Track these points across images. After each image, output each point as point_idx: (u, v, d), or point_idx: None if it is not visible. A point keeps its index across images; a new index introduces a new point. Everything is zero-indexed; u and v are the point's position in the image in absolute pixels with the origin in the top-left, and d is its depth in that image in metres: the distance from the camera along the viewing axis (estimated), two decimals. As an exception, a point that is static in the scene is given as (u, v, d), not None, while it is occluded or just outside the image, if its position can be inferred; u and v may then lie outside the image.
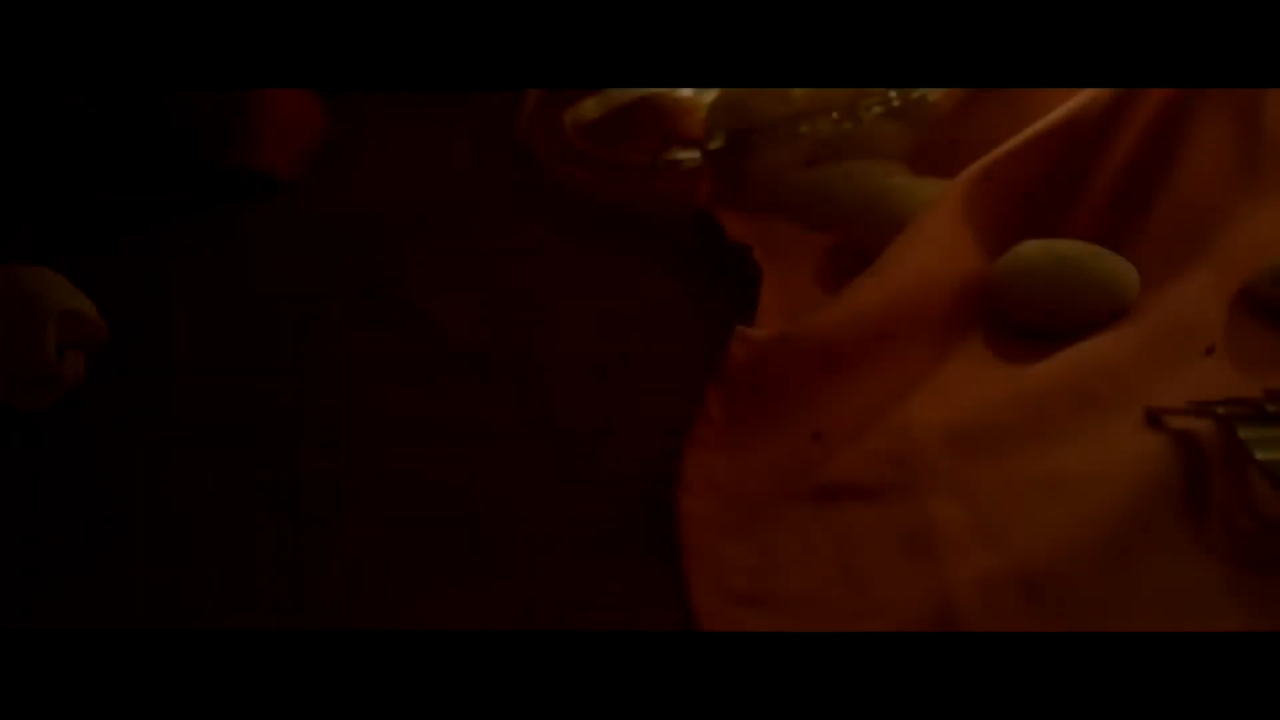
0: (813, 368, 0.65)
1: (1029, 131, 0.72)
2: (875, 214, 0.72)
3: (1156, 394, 0.63)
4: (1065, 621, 0.55)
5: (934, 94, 0.79)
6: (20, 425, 0.66)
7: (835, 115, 0.77)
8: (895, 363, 0.66)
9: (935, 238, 0.69)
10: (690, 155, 0.78)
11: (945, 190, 0.71)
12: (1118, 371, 0.65)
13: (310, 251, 0.76)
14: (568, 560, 0.59)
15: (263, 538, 0.61)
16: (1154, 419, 0.62)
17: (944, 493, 0.60)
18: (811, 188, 0.76)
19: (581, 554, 0.60)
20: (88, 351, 0.68)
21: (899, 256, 0.68)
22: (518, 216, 0.78)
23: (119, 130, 0.81)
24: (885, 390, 0.65)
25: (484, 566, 0.59)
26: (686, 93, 0.83)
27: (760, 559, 0.59)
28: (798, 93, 0.78)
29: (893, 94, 0.77)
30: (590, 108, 0.82)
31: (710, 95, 0.81)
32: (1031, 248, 0.69)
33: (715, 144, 0.78)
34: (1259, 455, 0.58)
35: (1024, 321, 0.68)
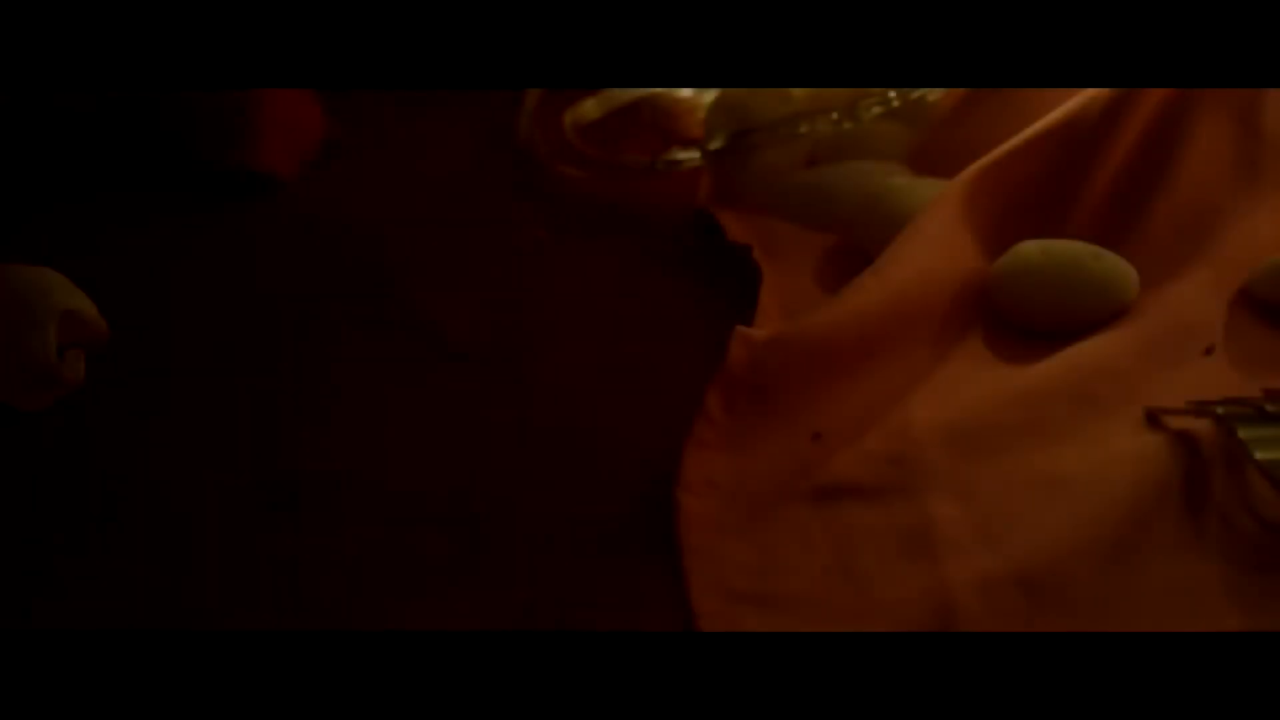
0: (813, 368, 0.65)
1: (1029, 131, 0.72)
2: (875, 214, 0.72)
3: (1156, 394, 0.63)
4: (1065, 621, 0.55)
5: (934, 94, 0.79)
6: (21, 425, 0.66)
7: (835, 115, 0.77)
8: (895, 363, 0.66)
9: (935, 238, 0.69)
10: (690, 155, 0.78)
11: (945, 190, 0.71)
12: (1117, 371, 0.65)
13: (310, 251, 0.76)
14: (568, 560, 0.59)
15: (263, 538, 0.61)
16: (1153, 419, 0.62)
17: (943, 492, 0.61)
18: (811, 188, 0.76)
19: (581, 554, 0.60)
20: (88, 351, 0.68)
21: (899, 256, 0.68)
22: (518, 216, 0.78)
23: (119, 130, 0.81)
24: (885, 390, 0.65)
25: (484, 566, 0.59)
26: (686, 93, 0.83)
27: (760, 559, 0.59)
28: (798, 93, 0.78)
29: (892, 94, 0.77)
30: (590, 108, 0.82)
31: (710, 95, 0.81)
32: (1031, 248, 0.69)
33: (715, 144, 0.78)
34: (1258, 455, 0.58)
35: (1023, 321, 0.68)
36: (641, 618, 0.57)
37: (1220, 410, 0.61)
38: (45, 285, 0.67)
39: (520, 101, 0.83)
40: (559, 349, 0.70)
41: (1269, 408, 0.61)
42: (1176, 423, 0.62)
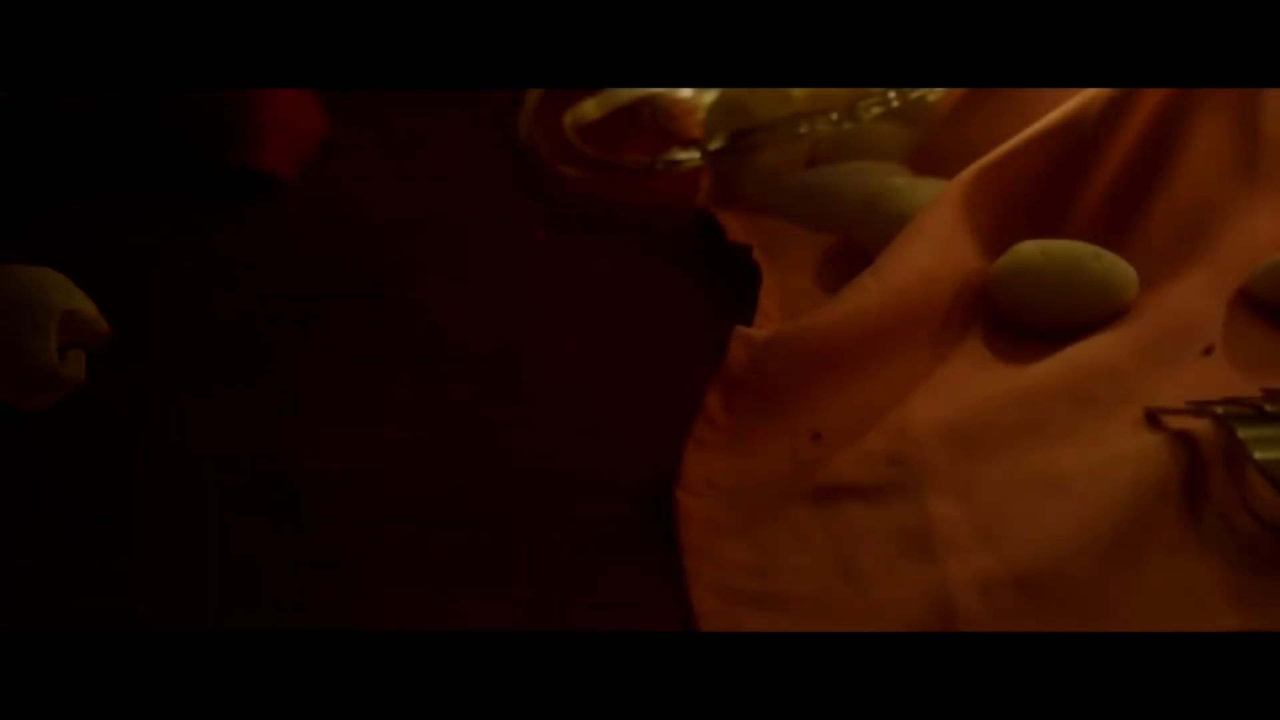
0: (813, 368, 0.65)
1: (1028, 132, 0.72)
2: (875, 214, 0.72)
3: (1155, 394, 0.63)
4: (1064, 621, 0.55)
5: (934, 94, 0.79)
6: (21, 425, 0.66)
7: (835, 116, 0.77)
8: (895, 363, 0.66)
9: (935, 238, 0.69)
10: (690, 155, 0.78)
11: (945, 190, 0.71)
12: (1116, 371, 0.65)
13: (310, 251, 0.76)
14: (568, 560, 0.60)
15: (263, 538, 0.61)
16: (1152, 419, 0.63)
17: (943, 492, 0.61)
18: (811, 188, 0.76)
19: (581, 554, 0.60)
20: (88, 351, 0.68)
21: (899, 256, 0.68)
22: (518, 216, 0.78)
23: (119, 130, 0.81)
24: (885, 390, 0.65)
25: (484, 566, 0.59)
26: (686, 93, 0.83)
27: (760, 558, 0.59)
28: (797, 93, 0.78)
29: (892, 94, 0.77)
30: (590, 108, 0.82)
31: (710, 95, 0.81)
32: (1030, 248, 0.69)
33: (715, 144, 0.78)
34: (1257, 455, 0.58)
35: (1023, 321, 0.68)
36: (641, 618, 0.57)
37: (1219, 410, 0.61)
38: (45, 285, 0.67)
39: (520, 101, 0.83)
40: (559, 349, 0.70)
41: (1268, 408, 0.61)
42: (1176, 423, 0.62)
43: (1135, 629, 0.54)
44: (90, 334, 0.68)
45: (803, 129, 0.77)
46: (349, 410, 0.67)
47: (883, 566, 0.58)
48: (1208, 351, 0.66)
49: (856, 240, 0.73)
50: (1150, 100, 0.72)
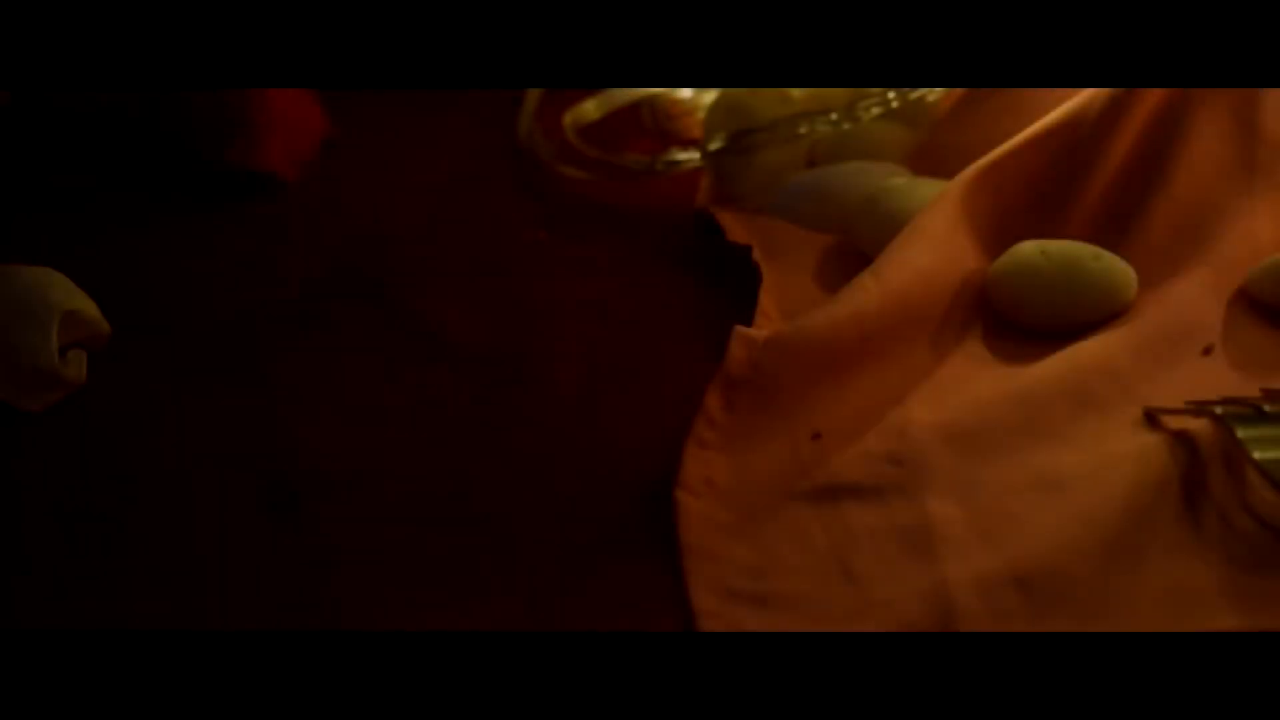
0: (812, 368, 0.65)
1: (1027, 132, 0.72)
2: (874, 214, 0.72)
3: (1154, 394, 0.64)
4: (1063, 621, 0.55)
5: (933, 94, 0.79)
6: (21, 425, 0.66)
7: (834, 116, 0.77)
8: (894, 362, 0.66)
9: (934, 238, 0.69)
10: (690, 156, 0.78)
11: (944, 190, 0.71)
12: (1116, 371, 0.65)
13: (310, 251, 0.76)
14: (568, 560, 0.60)
15: (263, 538, 0.61)
16: (1152, 419, 0.63)
17: (942, 492, 0.61)
18: (811, 188, 0.76)
19: (581, 554, 0.60)
20: (89, 351, 0.68)
21: (898, 257, 0.68)
22: (518, 217, 0.78)
23: (119, 130, 0.81)
24: (885, 390, 0.65)
25: (484, 566, 0.59)
26: (686, 93, 0.83)
27: (760, 558, 0.59)
28: (797, 93, 0.78)
29: (891, 95, 0.77)
30: (590, 109, 0.82)
31: (710, 96, 0.81)
32: (1029, 248, 0.69)
33: (715, 144, 0.78)
34: (1257, 455, 0.58)
35: (1022, 321, 0.68)
36: (641, 618, 0.57)
37: (1219, 410, 0.61)
38: (46, 285, 0.67)
39: (520, 101, 0.83)
40: (559, 349, 0.70)
41: (1267, 407, 0.61)
42: (1175, 422, 0.62)
43: (1135, 629, 0.54)
44: (91, 334, 0.68)
45: (803, 129, 0.77)
46: (349, 410, 0.67)
47: (882, 566, 0.58)
48: (1207, 351, 0.66)
49: (856, 240, 0.73)
50: (1150, 100, 0.72)
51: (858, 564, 0.58)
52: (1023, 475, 0.61)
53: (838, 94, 0.77)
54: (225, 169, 0.79)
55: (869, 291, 0.66)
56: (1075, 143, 0.72)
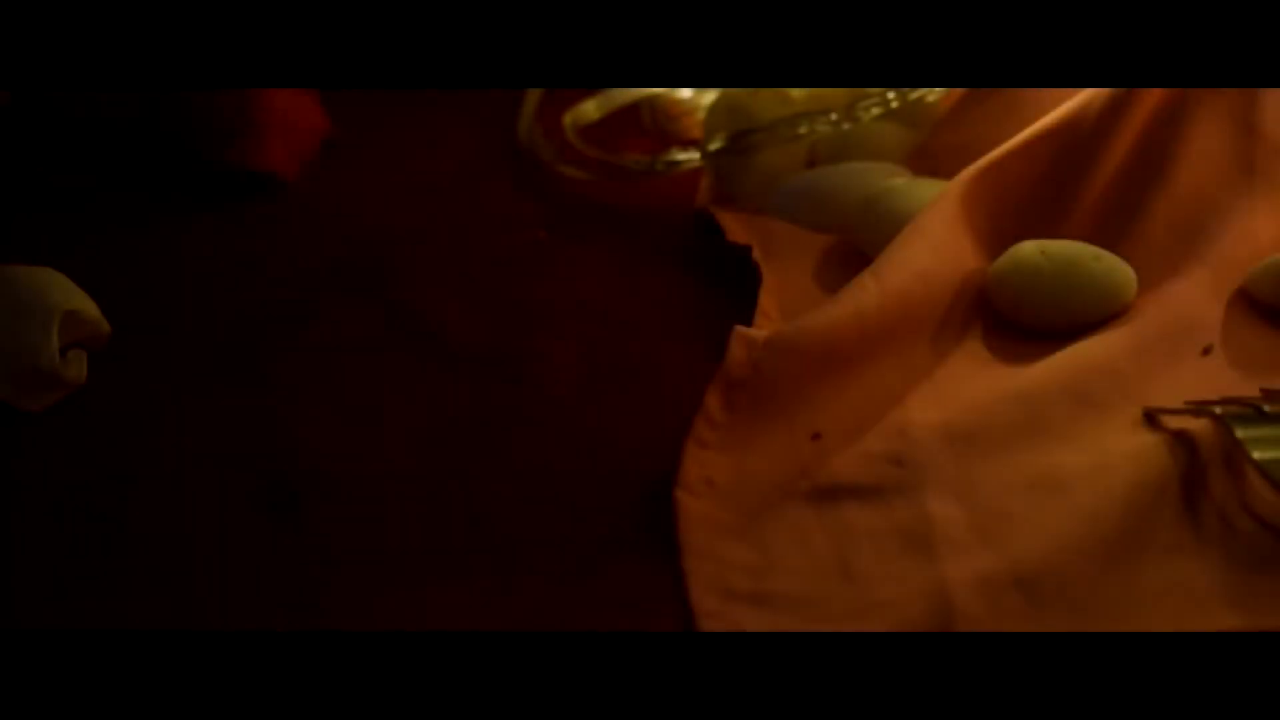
0: (812, 368, 0.65)
1: (1027, 132, 0.72)
2: (874, 214, 0.72)
3: (1154, 394, 0.64)
4: (1063, 620, 0.55)
5: (933, 94, 0.79)
6: (22, 425, 0.66)
7: (834, 116, 0.77)
8: (894, 362, 0.66)
9: (934, 238, 0.69)
10: (690, 156, 0.78)
11: (944, 191, 0.71)
12: (1115, 371, 0.65)
13: (310, 251, 0.76)
14: (568, 560, 0.60)
15: (263, 538, 0.61)
16: (1152, 419, 0.63)
17: (943, 492, 0.61)
18: (811, 188, 0.76)
19: (581, 554, 0.60)
20: (89, 351, 0.68)
21: (898, 257, 0.68)
22: (518, 216, 0.78)
23: (119, 130, 0.81)
24: (884, 390, 0.65)
25: (484, 566, 0.59)
26: (686, 93, 0.83)
27: (760, 558, 0.59)
28: (796, 94, 0.78)
29: (891, 95, 0.77)
30: (590, 109, 0.82)
31: (710, 96, 0.81)
32: (1029, 248, 0.69)
33: (715, 145, 0.78)
34: (1256, 455, 0.58)
35: (1022, 321, 0.68)
36: (641, 618, 0.57)
37: (1218, 410, 0.61)
38: (47, 285, 0.67)
39: (520, 101, 0.83)
40: (558, 349, 0.70)
41: (1267, 407, 0.61)
42: (1175, 422, 0.62)
43: (1134, 628, 0.54)
44: (91, 334, 0.68)
45: (802, 129, 0.77)
46: (349, 410, 0.67)
47: (882, 566, 0.58)
48: (1206, 351, 0.66)
49: (856, 240, 0.73)
50: (1149, 100, 0.72)
51: (858, 564, 0.58)
52: (1023, 475, 0.61)
53: (838, 94, 0.77)
54: (225, 169, 0.79)
55: (869, 291, 0.66)
56: (1075, 143, 0.72)
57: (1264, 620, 0.54)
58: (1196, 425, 0.61)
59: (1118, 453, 0.61)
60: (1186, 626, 0.54)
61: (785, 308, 0.70)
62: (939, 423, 0.63)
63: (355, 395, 0.68)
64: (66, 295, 0.67)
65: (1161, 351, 0.66)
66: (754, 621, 0.57)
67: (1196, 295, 0.68)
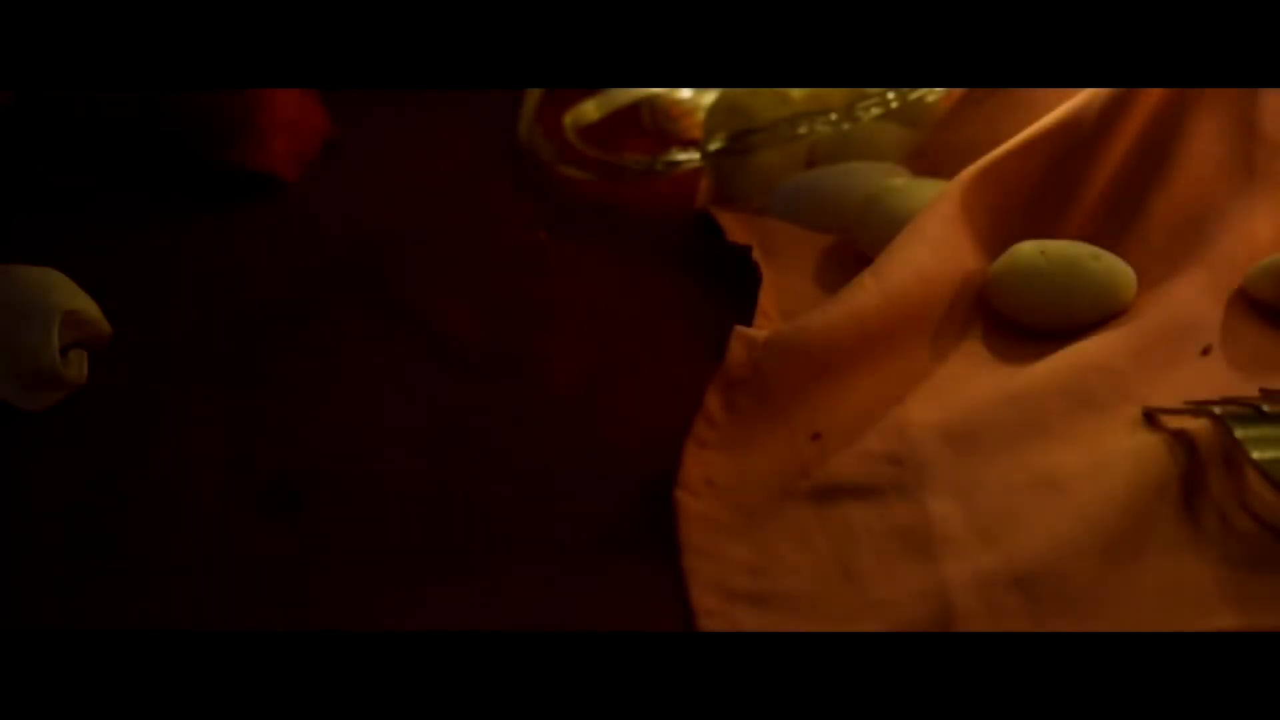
0: (812, 368, 0.65)
1: (1027, 132, 0.72)
2: (874, 214, 0.72)
3: (1153, 394, 0.64)
4: (1062, 620, 0.55)
5: (933, 94, 0.79)
6: (22, 425, 0.66)
7: (834, 116, 0.77)
8: (894, 362, 0.66)
9: (934, 238, 0.69)
10: (690, 156, 0.78)
11: (944, 191, 0.71)
12: (1114, 371, 0.65)
13: (310, 251, 0.76)
14: (568, 560, 0.60)
15: (263, 538, 0.61)
16: (1151, 419, 0.63)
17: (942, 492, 0.61)
18: (810, 188, 0.76)
19: (581, 554, 0.60)
20: (90, 351, 0.68)
21: (897, 257, 0.68)
22: (518, 216, 0.78)
23: (119, 130, 0.81)
24: (884, 390, 0.65)
25: (484, 566, 0.59)
26: (686, 93, 0.83)
27: (759, 558, 0.59)
28: (796, 94, 0.78)
29: (891, 95, 0.77)
30: (590, 109, 0.82)
31: (710, 96, 0.81)
32: (1028, 248, 0.69)
33: (715, 145, 0.78)
34: (1255, 455, 0.58)
35: (1021, 322, 0.68)
36: (641, 618, 0.57)
37: (1217, 410, 0.61)
38: (47, 286, 0.67)
39: (520, 101, 0.83)
40: (558, 349, 0.70)
41: (1266, 407, 0.61)
42: (1174, 422, 0.62)
43: (1133, 628, 0.54)
44: (92, 334, 0.68)
45: (802, 129, 0.77)
46: (349, 410, 0.67)
47: (882, 566, 0.58)
48: (1206, 351, 0.66)
49: (856, 240, 0.73)
50: (1149, 100, 0.72)
51: (858, 564, 0.58)
52: (1022, 475, 0.61)
53: (837, 94, 0.77)
54: (225, 169, 0.79)
55: (869, 291, 0.66)
56: (1074, 143, 0.72)
57: (1263, 620, 0.54)
58: (1196, 425, 0.61)
59: (1117, 453, 0.61)
60: (1185, 626, 0.54)
61: (785, 308, 0.70)
62: (938, 423, 0.63)
63: (355, 395, 0.68)
64: (67, 295, 0.67)
65: (1161, 351, 0.66)
66: (754, 621, 0.57)
67: (1196, 295, 0.68)
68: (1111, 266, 0.68)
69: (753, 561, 0.59)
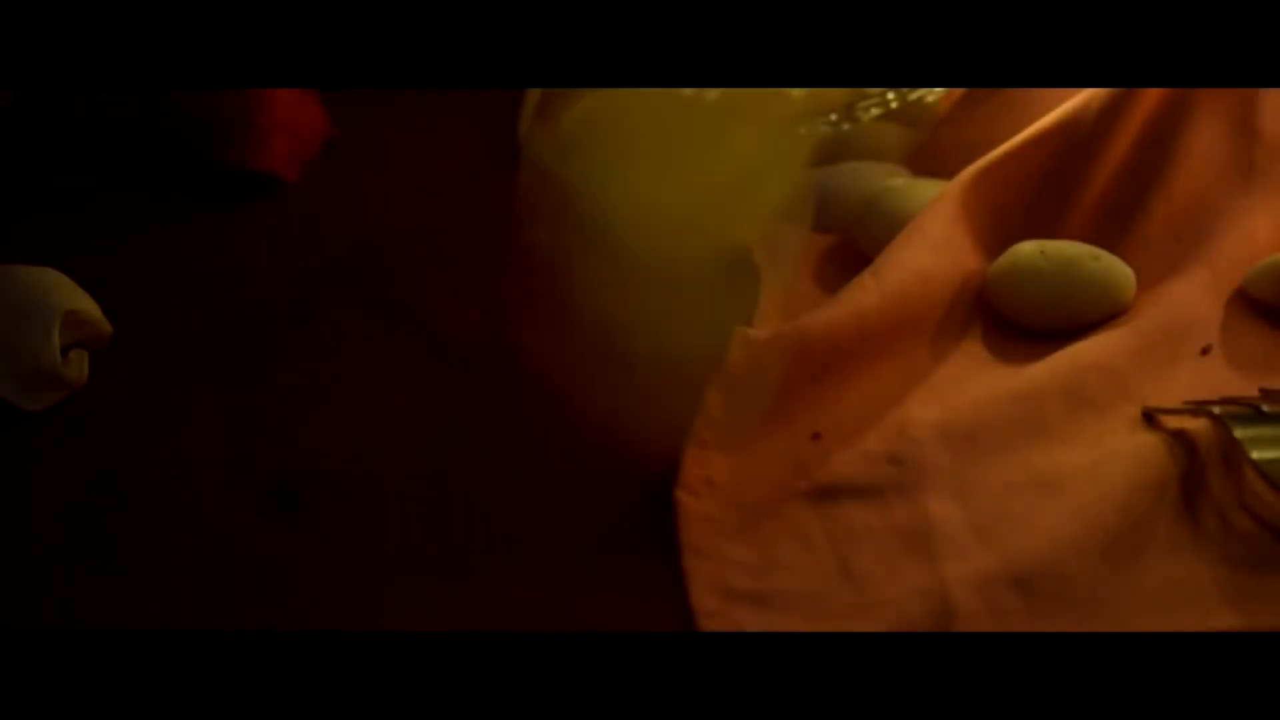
0: (812, 368, 0.65)
1: (1026, 132, 0.72)
2: (874, 215, 0.72)
3: (1153, 394, 0.64)
4: (1063, 620, 0.55)
5: (932, 94, 0.79)
6: (22, 425, 0.66)
7: (833, 116, 0.77)
8: (894, 362, 0.66)
9: (933, 238, 0.69)
10: (689, 156, 0.78)
11: (943, 191, 0.71)
12: (1114, 371, 0.65)
13: (310, 252, 0.76)
14: (568, 560, 0.60)
15: (263, 538, 0.61)
16: (1150, 418, 0.63)
17: (942, 492, 0.61)
18: (810, 188, 0.76)
19: (581, 554, 0.60)
20: (90, 351, 0.68)
21: (898, 257, 0.68)
22: (518, 217, 0.78)
23: (119, 130, 0.81)
24: (884, 390, 0.65)
25: (484, 567, 0.59)
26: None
27: (759, 558, 0.59)
28: (796, 94, 0.78)
29: (891, 95, 0.77)
30: (590, 109, 0.82)
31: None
32: (1028, 248, 0.69)
33: (714, 145, 0.78)
34: (1254, 455, 0.58)
35: (1021, 322, 0.68)
36: (641, 618, 0.57)
37: (1217, 410, 0.61)
38: (48, 286, 0.67)
39: (520, 101, 0.83)
40: (559, 349, 0.70)
41: (1265, 407, 0.61)
42: (1173, 422, 0.62)
43: (1133, 628, 0.54)
44: (92, 334, 0.68)
45: (801, 130, 0.77)
46: (349, 410, 0.67)
47: (882, 566, 0.58)
48: (1205, 351, 0.66)
49: (856, 240, 0.73)
50: (1148, 101, 0.72)
51: (858, 564, 0.58)
52: (1022, 475, 0.61)
53: (838, 94, 0.77)
54: (225, 169, 0.79)
55: (869, 291, 0.67)
56: (1074, 143, 0.72)
57: (1262, 619, 0.54)
58: (1195, 425, 0.61)
59: (1117, 453, 0.61)
60: (1185, 626, 0.54)
61: (785, 308, 0.70)
62: (938, 422, 0.63)
63: (355, 395, 0.68)
64: (68, 295, 0.67)
65: (1160, 351, 0.66)
66: (754, 621, 0.57)
67: (1195, 295, 0.68)
68: (1111, 266, 0.68)
69: (753, 561, 0.59)
